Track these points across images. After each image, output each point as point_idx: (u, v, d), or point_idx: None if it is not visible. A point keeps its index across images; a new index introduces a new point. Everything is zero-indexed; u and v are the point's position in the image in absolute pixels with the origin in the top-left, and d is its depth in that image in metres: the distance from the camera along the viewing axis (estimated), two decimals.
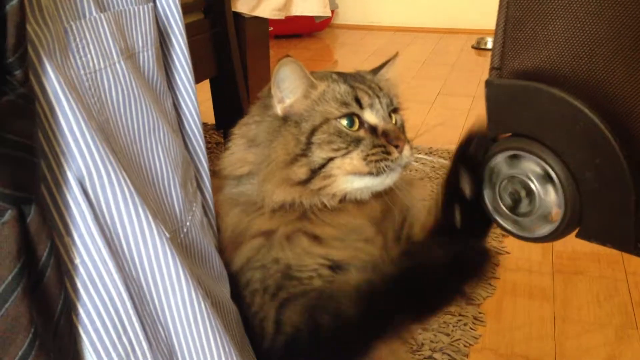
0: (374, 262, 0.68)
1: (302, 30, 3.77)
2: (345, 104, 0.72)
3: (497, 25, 0.50)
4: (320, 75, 0.76)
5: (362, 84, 0.76)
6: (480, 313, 1.33)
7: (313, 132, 0.70)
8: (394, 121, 0.76)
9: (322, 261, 0.67)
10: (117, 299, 0.44)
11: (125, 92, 0.49)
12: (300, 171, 0.69)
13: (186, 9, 1.54)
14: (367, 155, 0.70)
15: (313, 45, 3.75)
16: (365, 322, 0.62)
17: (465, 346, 1.23)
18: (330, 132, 0.70)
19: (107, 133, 0.46)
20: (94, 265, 0.43)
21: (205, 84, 2.09)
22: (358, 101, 0.73)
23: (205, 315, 0.50)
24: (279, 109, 0.72)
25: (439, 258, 0.62)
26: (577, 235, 0.50)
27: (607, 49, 0.44)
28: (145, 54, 0.53)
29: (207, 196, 0.65)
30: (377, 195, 0.73)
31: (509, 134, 0.52)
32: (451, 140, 2.22)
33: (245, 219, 0.69)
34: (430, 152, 2.09)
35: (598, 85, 0.45)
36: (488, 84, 0.52)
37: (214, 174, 0.74)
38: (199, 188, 0.63)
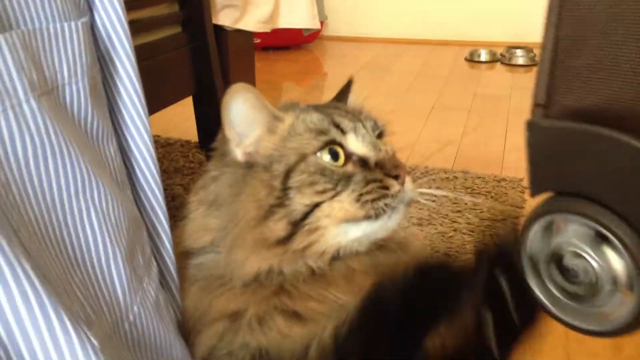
0: None
1: (291, 42, 3.67)
2: (322, 132, 0.58)
3: (543, 49, 0.37)
4: (286, 107, 0.62)
5: (336, 109, 0.63)
6: None
7: (288, 173, 0.56)
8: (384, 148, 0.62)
9: (306, 343, 0.52)
10: None
11: (37, 140, 0.35)
12: (277, 227, 0.55)
13: (162, 22, 1.42)
14: (361, 194, 0.56)
15: (302, 57, 3.64)
16: None
17: None
18: (311, 171, 0.56)
19: (7, 202, 0.33)
20: None
21: (189, 99, 1.96)
22: (337, 126, 0.59)
23: None
24: (238, 153, 0.59)
25: None
26: None
27: None
28: (74, 86, 0.39)
29: (168, 261, 0.51)
30: (368, 263, 0.59)
31: (550, 194, 0.39)
32: (448, 157, 2.10)
33: (206, 299, 0.55)
34: (427, 172, 1.97)
35: None
36: (531, 126, 0.39)
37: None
38: (157, 253, 0.49)
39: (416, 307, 0.44)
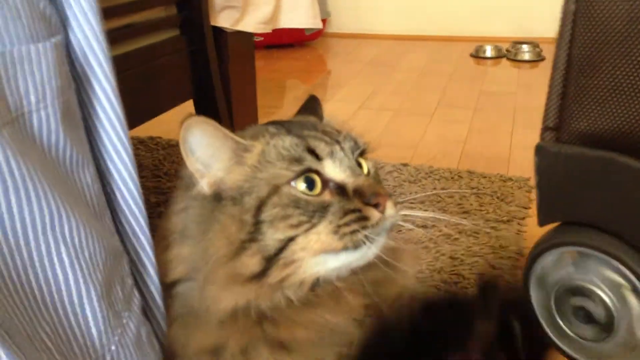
0: None
1: (294, 40, 3.64)
2: (296, 160, 0.55)
3: (555, 68, 0.34)
4: (254, 132, 0.59)
5: (312, 130, 0.59)
6: None
7: (260, 207, 0.53)
8: (365, 170, 0.59)
9: None
10: None
11: None
12: (251, 262, 0.52)
13: (160, 25, 1.40)
14: (339, 226, 0.53)
15: (306, 55, 3.61)
16: None
17: None
18: (284, 204, 0.53)
19: None
20: None
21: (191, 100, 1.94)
22: (312, 152, 0.56)
23: None
24: (205, 185, 0.56)
25: None
26: None
27: None
28: (42, 112, 0.36)
29: (153, 289, 0.48)
30: (355, 281, 0.56)
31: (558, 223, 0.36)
32: (454, 157, 2.06)
33: (182, 334, 0.52)
34: (431, 172, 1.93)
35: None
36: (540, 150, 0.36)
37: None
38: (141, 282, 0.46)
39: (424, 343, 0.41)
